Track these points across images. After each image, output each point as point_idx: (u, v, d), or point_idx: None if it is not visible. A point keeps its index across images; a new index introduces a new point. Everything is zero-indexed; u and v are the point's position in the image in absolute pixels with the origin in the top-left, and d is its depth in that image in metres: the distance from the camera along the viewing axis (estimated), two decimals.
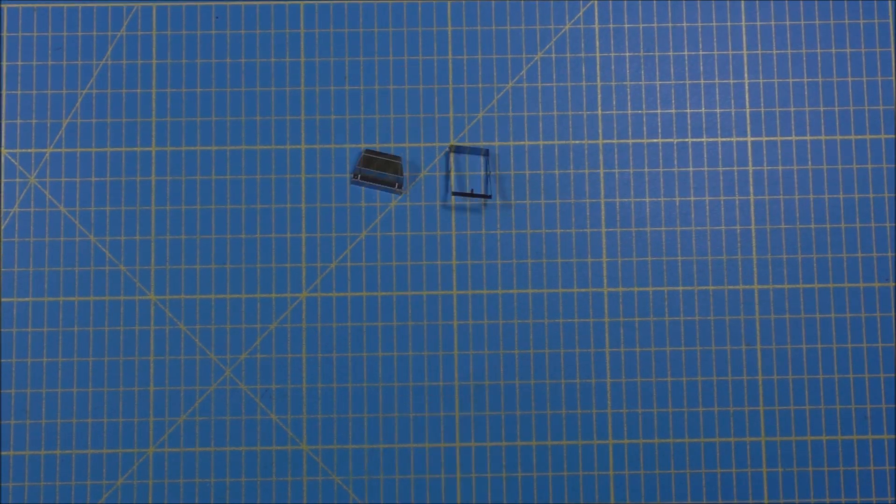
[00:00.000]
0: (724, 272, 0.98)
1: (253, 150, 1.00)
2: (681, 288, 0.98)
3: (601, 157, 1.00)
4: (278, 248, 0.99)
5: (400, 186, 0.97)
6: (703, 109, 1.00)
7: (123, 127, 1.00)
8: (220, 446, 0.96)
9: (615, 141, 1.00)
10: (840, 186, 0.99)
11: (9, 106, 1.00)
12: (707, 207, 0.99)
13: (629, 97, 1.01)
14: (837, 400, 0.97)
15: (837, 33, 1.01)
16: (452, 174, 0.98)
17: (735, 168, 1.00)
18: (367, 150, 0.97)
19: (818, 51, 1.01)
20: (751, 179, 1.00)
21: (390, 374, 0.97)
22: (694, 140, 1.00)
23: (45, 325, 0.97)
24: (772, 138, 1.00)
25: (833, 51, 1.01)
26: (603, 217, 0.99)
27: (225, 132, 1.00)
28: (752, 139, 1.00)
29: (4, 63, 1.01)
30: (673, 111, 1.00)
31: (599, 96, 1.01)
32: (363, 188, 0.98)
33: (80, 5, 1.01)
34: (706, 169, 1.00)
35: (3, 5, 1.01)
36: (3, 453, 0.96)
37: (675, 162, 1.00)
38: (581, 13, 1.02)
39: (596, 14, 1.02)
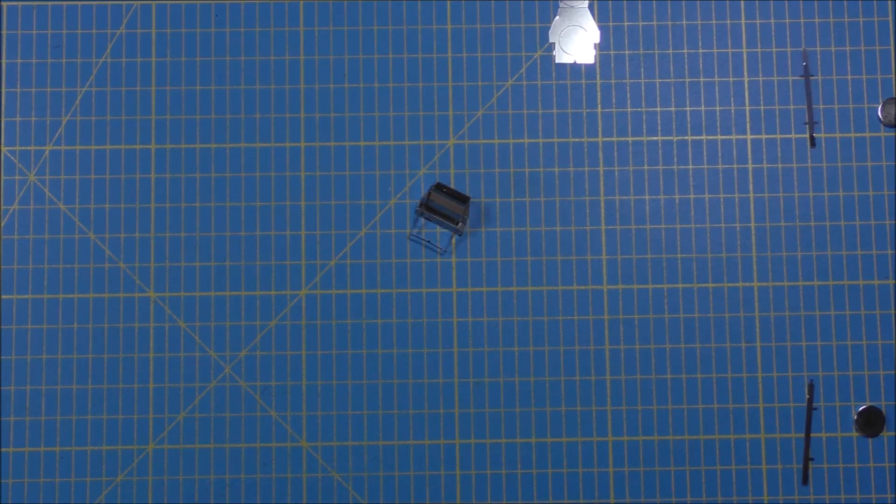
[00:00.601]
0: (724, 270, 0.98)
1: (252, 147, 1.00)
2: (680, 285, 0.98)
3: (601, 154, 1.00)
4: (278, 245, 0.99)
5: (463, 225, 0.97)
6: (702, 107, 1.00)
7: (123, 124, 1.00)
8: (219, 443, 0.96)
9: (615, 139, 1.00)
10: (840, 184, 0.99)
11: (8, 104, 1.00)
12: (707, 205, 0.99)
13: (629, 95, 1.01)
14: (837, 397, 0.97)
15: (837, 32, 1.01)
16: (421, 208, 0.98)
17: (735, 166, 1.00)
18: (439, 184, 0.97)
19: (818, 49, 1.01)
20: (750, 177, 1.00)
21: (390, 371, 0.97)
22: (694, 138, 1.00)
23: (44, 322, 0.97)
24: (771, 136, 1.00)
25: (833, 49, 1.01)
26: (603, 215, 0.99)
27: (224, 130, 1.00)
28: (752, 137, 1.00)
29: (4, 61, 1.01)
30: (673, 109, 1.00)
31: (599, 94, 1.01)
32: (423, 220, 0.98)
33: (80, 3, 1.01)
34: (706, 167, 1.00)
35: (2, 3, 1.01)
36: (2, 450, 0.96)
37: (675, 160, 1.00)
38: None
39: (596, 12, 1.02)
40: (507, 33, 1.01)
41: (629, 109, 1.00)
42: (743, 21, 1.01)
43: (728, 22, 1.01)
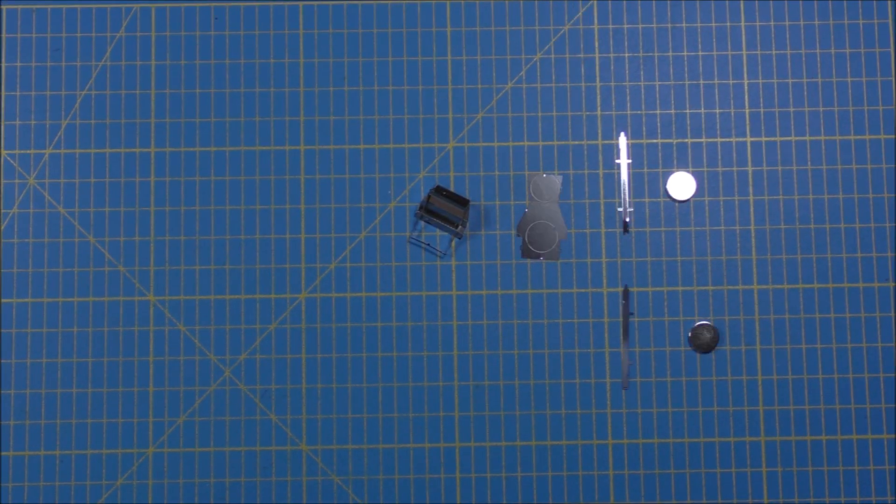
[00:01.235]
0: (724, 272, 0.98)
1: (252, 151, 1.00)
2: (680, 288, 0.98)
3: (600, 157, 1.00)
4: (278, 248, 0.99)
5: (462, 228, 0.97)
6: (702, 110, 1.00)
7: (123, 128, 1.00)
8: (219, 447, 0.96)
9: (615, 141, 1.00)
10: (840, 186, 0.99)
11: (8, 107, 1.00)
12: (707, 208, 0.99)
13: (629, 97, 1.01)
14: (837, 400, 0.97)
15: (837, 33, 1.01)
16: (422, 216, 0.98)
17: (734, 168, 1.00)
18: (439, 187, 0.96)
19: (818, 51, 1.01)
20: (750, 180, 1.00)
21: (390, 374, 0.97)
22: (693, 140, 1.00)
23: (44, 325, 0.97)
24: (771, 139, 1.00)
25: (833, 51, 1.01)
26: (602, 217, 0.99)
27: (224, 133, 1.00)
28: (752, 139, 1.00)
29: (3, 64, 1.01)
30: (672, 111, 1.00)
31: (599, 96, 1.01)
32: (423, 223, 0.98)
33: (79, 6, 1.01)
34: (705, 169, 1.00)
35: (2, 6, 1.01)
36: (2, 454, 0.96)
37: (675, 162, 1.00)
38: (581, 13, 1.02)
39: (596, 14, 1.02)
40: (507, 36, 1.01)
41: (629, 112, 1.00)
42: (743, 23, 1.01)
43: (728, 24, 1.01)
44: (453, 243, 0.98)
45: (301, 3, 1.02)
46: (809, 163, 1.00)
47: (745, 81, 1.01)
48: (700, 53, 1.01)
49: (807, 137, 1.00)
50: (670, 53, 1.01)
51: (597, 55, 1.01)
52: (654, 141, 1.00)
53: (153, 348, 0.97)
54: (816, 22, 1.01)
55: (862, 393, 0.97)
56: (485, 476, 0.96)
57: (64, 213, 0.99)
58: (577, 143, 1.00)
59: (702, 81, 1.01)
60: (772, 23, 1.01)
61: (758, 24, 1.01)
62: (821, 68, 1.01)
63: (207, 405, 0.97)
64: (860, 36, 1.01)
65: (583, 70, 1.01)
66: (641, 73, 1.01)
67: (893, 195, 0.99)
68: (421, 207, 0.97)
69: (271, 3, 1.02)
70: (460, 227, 0.97)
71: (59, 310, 0.98)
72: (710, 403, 0.97)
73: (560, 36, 1.01)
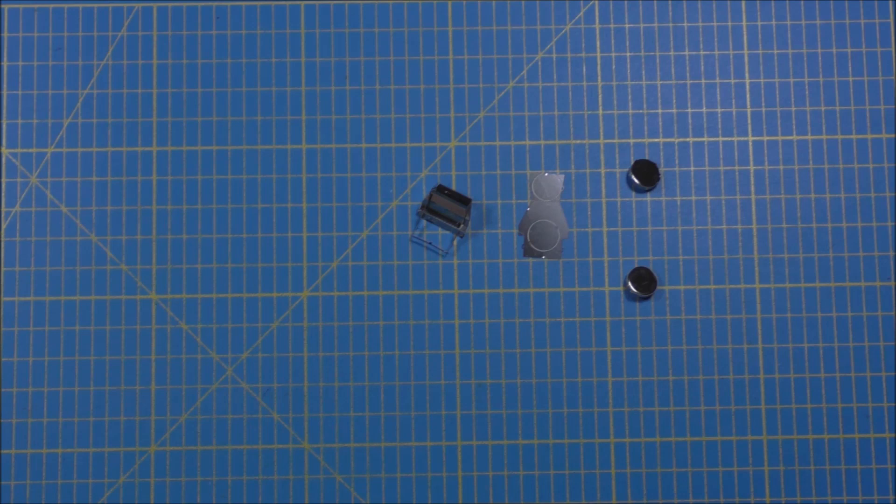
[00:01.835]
0: (726, 271, 0.98)
1: (254, 149, 1.00)
2: (682, 287, 0.98)
3: (602, 156, 1.00)
4: (279, 247, 0.99)
5: (464, 227, 0.97)
6: (703, 109, 1.01)
7: (124, 127, 1.00)
8: (221, 445, 0.96)
9: (616, 141, 1.00)
10: (841, 186, 1.00)
11: (10, 106, 1.00)
12: (708, 207, 0.99)
13: (630, 97, 1.01)
14: (839, 398, 0.97)
15: (838, 33, 1.01)
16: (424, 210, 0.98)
17: (736, 168, 1.00)
18: (441, 186, 0.96)
19: (818, 51, 1.01)
20: (752, 179, 1.00)
21: (392, 372, 0.97)
22: (695, 140, 1.00)
23: (46, 324, 0.97)
24: (772, 138, 1.00)
25: (833, 50, 1.01)
26: (604, 216, 0.99)
27: (226, 132, 1.00)
28: (753, 139, 1.00)
29: (5, 63, 1.01)
30: (674, 111, 1.01)
31: (600, 96, 1.01)
32: (425, 221, 0.98)
33: (81, 5, 1.01)
34: (707, 168, 1.00)
35: (3, 5, 1.01)
36: (4, 452, 0.96)
37: (676, 161, 1.00)
38: (581, 13, 1.02)
39: (596, 14, 1.02)
40: (509, 35, 1.01)
41: (630, 111, 1.00)
42: (744, 23, 1.01)
43: (729, 24, 1.01)
44: (455, 242, 0.99)
45: (302, 3, 1.02)
46: (811, 162, 1.00)
47: (747, 81, 1.01)
48: (701, 53, 1.01)
49: (808, 137, 1.00)
50: (671, 53, 1.01)
51: (598, 54, 1.01)
52: (656, 140, 1.00)
53: (155, 347, 0.97)
54: (817, 21, 1.01)
55: (864, 392, 0.97)
56: (487, 475, 0.96)
57: (66, 212, 0.99)
58: (578, 142, 1.00)
59: (703, 81, 1.01)
60: (773, 22, 1.01)
61: (759, 23, 1.01)
62: (822, 68, 1.01)
63: (209, 403, 0.97)
64: (861, 35, 1.01)
65: (584, 69, 1.01)
66: (642, 72, 1.01)
67: (894, 194, 0.99)
68: (423, 206, 0.97)
69: (273, 3, 1.02)
70: (462, 225, 0.97)
71: (62, 308, 0.98)
72: (712, 402, 0.97)
73: (561, 35, 1.02)
